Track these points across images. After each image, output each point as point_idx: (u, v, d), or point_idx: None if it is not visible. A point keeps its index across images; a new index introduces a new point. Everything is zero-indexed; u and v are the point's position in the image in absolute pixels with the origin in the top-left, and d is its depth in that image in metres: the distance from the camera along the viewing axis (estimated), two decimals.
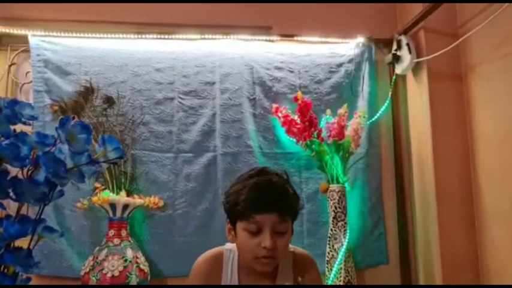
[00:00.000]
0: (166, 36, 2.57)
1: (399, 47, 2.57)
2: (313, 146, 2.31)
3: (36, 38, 2.46)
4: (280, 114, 2.44)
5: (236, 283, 1.22)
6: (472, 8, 2.29)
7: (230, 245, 1.29)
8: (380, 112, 2.62)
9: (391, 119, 2.68)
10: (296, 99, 2.40)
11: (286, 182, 1.26)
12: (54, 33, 2.47)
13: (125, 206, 2.21)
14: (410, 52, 2.47)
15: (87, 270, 2.08)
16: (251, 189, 1.16)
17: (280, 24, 2.68)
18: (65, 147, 0.80)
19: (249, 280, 1.24)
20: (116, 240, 2.15)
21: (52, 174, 0.78)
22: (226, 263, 1.24)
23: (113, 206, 2.19)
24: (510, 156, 2.05)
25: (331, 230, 2.26)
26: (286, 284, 1.26)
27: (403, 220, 2.59)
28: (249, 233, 1.16)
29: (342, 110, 2.37)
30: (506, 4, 1.93)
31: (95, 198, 2.17)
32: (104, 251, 2.11)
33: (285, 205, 1.19)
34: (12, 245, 0.81)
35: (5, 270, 0.80)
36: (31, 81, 2.45)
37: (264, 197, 1.16)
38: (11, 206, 0.85)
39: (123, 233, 2.19)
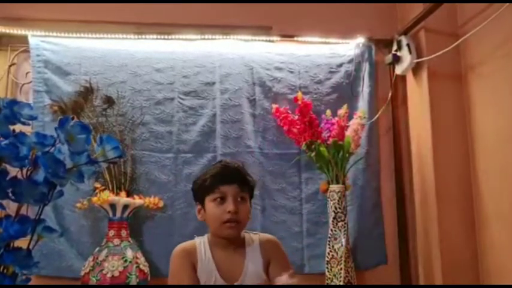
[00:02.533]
0: (166, 36, 2.57)
1: (399, 47, 2.57)
2: (313, 146, 2.31)
3: (36, 38, 2.46)
4: (280, 115, 2.44)
5: (210, 258, 1.43)
6: (472, 8, 2.29)
7: (202, 237, 1.53)
8: (380, 112, 2.62)
9: (391, 120, 2.68)
10: (296, 99, 2.41)
11: (242, 165, 1.59)
12: (54, 34, 2.48)
13: (125, 207, 2.21)
14: (410, 52, 2.47)
15: (87, 270, 2.08)
16: (215, 167, 1.52)
17: (280, 25, 2.68)
18: (65, 148, 0.80)
19: (221, 254, 1.45)
20: (116, 241, 2.15)
21: (51, 175, 0.78)
22: (199, 246, 1.47)
23: (112, 206, 2.19)
24: (510, 156, 2.05)
25: (331, 230, 2.25)
26: (252, 266, 1.47)
27: (402, 220, 2.59)
28: (216, 203, 1.45)
29: (342, 111, 2.37)
30: (506, 4, 1.93)
31: (94, 199, 2.17)
32: (104, 252, 2.11)
33: (243, 177, 1.49)
34: (11, 245, 0.81)
35: (5, 271, 0.80)
36: (31, 82, 2.45)
37: (226, 171, 1.48)
38: (11, 206, 0.85)
39: (123, 233, 2.19)
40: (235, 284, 1.41)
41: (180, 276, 1.44)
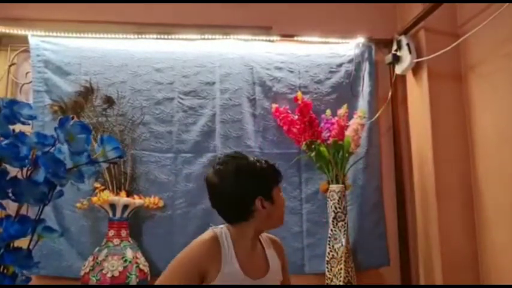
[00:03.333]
0: (166, 36, 2.57)
1: (399, 47, 2.57)
2: (313, 146, 2.31)
3: (36, 38, 2.46)
4: (280, 115, 2.44)
5: (234, 258, 1.33)
6: (472, 8, 2.29)
7: (215, 228, 1.39)
8: (380, 112, 2.62)
9: (391, 119, 2.68)
10: (296, 99, 2.41)
11: None
12: (54, 34, 2.48)
13: (125, 206, 2.21)
14: (410, 52, 2.47)
15: (87, 270, 2.08)
16: (268, 163, 1.41)
17: (280, 24, 2.68)
18: (65, 147, 0.80)
19: (245, 254, 1.36)
20: (116, 241, 2.15)
21: (51, 175, 0.78)
22: (223, 241, 1.35)
23: (112, 206, 2.19)
24: (510, 156, 2.05)
25: (331, 230, 2.25)
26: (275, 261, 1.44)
27: (403, 220, 2.59)
28: (281, 194, 1.43)
29: (342, 110, 2.37)
30: (506, 4, 1.93)
31: (94, 199, 2.17)
32: (104, 251, 2.11)
33: None
34: (12, 245, 0.81)
35: (5, 270, 0.80)
36: (31, 81, 2.45)
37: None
38: (11, 206, 0.85)
39: (123, 233, 2.19)
40: (259, 282, 1.37)
41: (183, 272, 1.30)
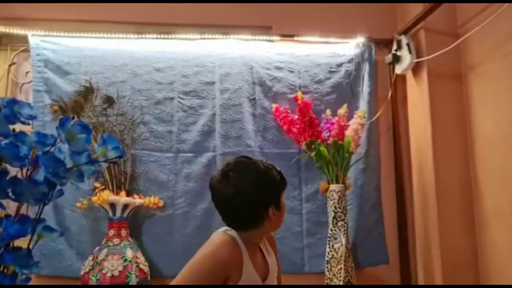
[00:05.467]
0: (166, 36, 2.57)
1: (399, 47, 2.57)
2: (313, 146, 2.31)
3: (36, 38, 2.46)
4: (280, 115, 2.44)
5: (253, 269, 1.32)
6: (472, 8, 2.29)
7: (227, 230, 1.36)
8: (380, 112, 2.62)
9: (391, 119, 2.68)
10: (296, 99, 2.41)
11: None
12: (54, 33, 2.48)
13: (125, 206, 2.21)
14: (410, 52, 2.47)
15: (87, 270, 2.09)
16: (276, 170, 1.40)
17: (280, 24, 2.68)
18: (65, 147, 0.80)
19: (256, 261, 1.36)
20: (116, 240, 2.16)
21: (51, 174, 0.78)
22: (242, 247, 1.33)
23: (112, 205, 2.19)
24: (510, 155, 2.05)
25: (331, 229, 2.25)
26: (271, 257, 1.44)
27: (402, 220, 2.59)
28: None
29: (341, 110, 2.37)
30: (506, 4, 1.93)
31: (94, 198, 2.17)
32: (104, 251, 2.11)
33: None
34: (11, 244, 0.81)
35: (5, 270, 0.79)
36: (31, 81, 2.46)
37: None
38: (11, 206, 0.85)
39: (123, 232, 2.19)
40: (265, 282, 1.36)
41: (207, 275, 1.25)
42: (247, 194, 1.29)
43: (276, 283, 1.44)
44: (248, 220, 1.33)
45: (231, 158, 1.42)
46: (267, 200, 1.33)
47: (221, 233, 1.33)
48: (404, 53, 2.53)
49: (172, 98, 2.52)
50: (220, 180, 1.33)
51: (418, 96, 2.53)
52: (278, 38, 2.66)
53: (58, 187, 0.82)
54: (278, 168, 1.40)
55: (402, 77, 2.68)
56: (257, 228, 1.34)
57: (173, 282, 1.23)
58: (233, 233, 1.34)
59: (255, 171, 1.34)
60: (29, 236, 0.82)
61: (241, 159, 1.39)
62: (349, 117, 2.39)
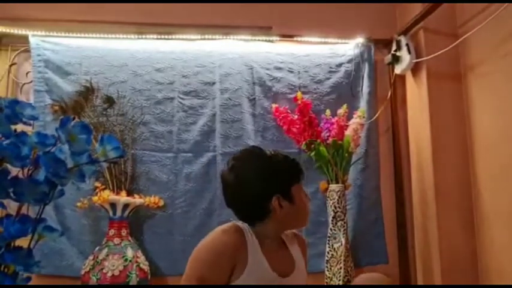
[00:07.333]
0: (166, 36, 2.57)
1: (399, 47, 2.57)
2: (313, 145, 2.31)
3: (37, 38, 2.46)
4: (279, 115, 2.44)
5: (263, 259, 1.22)
6: (472, 8, 2.30)
7: (239, 222, 1.28)
8: (379, 112, 2.62)
9: (391, 119, 2.69)
10: (296, 99, 2.41)
11: None
12: (55, 33, 2.48)
13: (125, 206, 2.22)
14: (409, 52, 2.47)
15: (88, 269, 2.09)
16: (287, 158, 1.34)
17: (280, 25, 2.69)
18: (66, 147, 0.81)
19: (272, 255, 1.25)
20: (116, 240, 2.16)
21: (52, 174, 0.78)
22: (247, 233, 1.23)
23: (113, 205, 2.20)
24: (509, 155, 2.05)
25: (331, 229, 2.26)
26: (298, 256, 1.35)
27: (402, 220, 2.60)
28: (303, 192, 1.32)
29: (341, 110, 2.38)
30: (506, 4, 1.93)
31: (95, 198, 2.17)
32: (104, 251, 2.12)
33: None
34: (12, 244, 0.81)
35: (6, 270, 0.80)
36: (31, 81, 2.46)
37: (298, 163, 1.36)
38: (12, 206, 0.85)
39: (123, 232, 2.20)
40: (287, 279, 1.26)
41: (213, 271, 1.17)
42: (247, 181, 1.25)
43: (300, 283, 1.33)
44: (250, 210, 1.27)
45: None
46: (270, 188, 1.25)
47: (226, 224, 1.25)
48: (403, 53, 2.53)
49: (172, 98, 2.53)
50: (225, 170, 1.29)
51: (417, 97, 2.54)
52: (278, 38, 2.66)
53: (59, 187, 0.83)
54: (291, 158, 1.33)
55: (402, 77, 2.68)
56: (263, 221, 1.26)
57: (182, 280, 1.18)
58: (244, 225, 1.26)
59: (257, 158, 1.29)
60: (29, 236, 0.83)
61: (250, 148, 1.36)
62: (349, 117, 2.40)
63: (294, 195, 1.28)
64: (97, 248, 2.16)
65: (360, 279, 2.02)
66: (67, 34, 2.50)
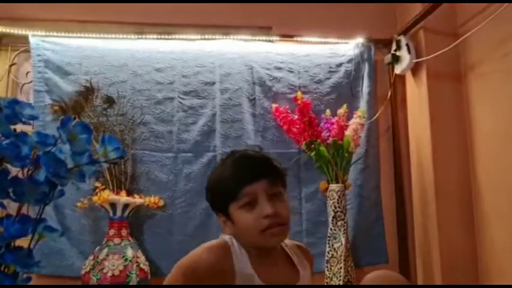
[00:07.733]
0: (166, 36, 2.57)
1: (398, 47, 2.57)
2: (313, 145, 2.31)
3: (37, 38, 2.46)
4: (279, 115, 2.44)
5: (252, 274, 1.07)
6: (472, 8, 2.30)
7: (227, 236, 1.14)
8: (379, 112, 2.62)
9: (391, 119, 2.69)
10: (296, 99, 2.41)
11: (261, 152, 1.27)
12: (55, 33, 2.48)
13: (125, 206, 2.22)
14: (409, 52, 2.47)
15: (88, 269, 2.09)
16: (233, 165, 1.11)
17: (280, 25, 2.69)
18: (66, 147, 0.80)
19: (265, 268, 1.09)
20: (116, 240, 2.16)
21: (52, 174, 0.78)
22: (235, 252, 1.08)
23: (113, 205, 2.20)
24: (509, 155, 2.05)
25: (331, 229, 2.26)
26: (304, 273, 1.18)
27: (402, 220, 2.60)
28: (246, 209, 1.07)
29: (341, 110, 2.38)
30: (506, 4, 1.93)
31: (95, 198, 2.17)
32: (104, 250, 2.12)
33: (272, 168, 1.13)
34: (12, 244, 0.81)
35: (6, 270, 0.80)
36: (31, 81, 2.46)
37: (248, 166, 1.11)
38: (12, 206, 0.85)
39: (124, 232, 2.20)
40: None
41: None
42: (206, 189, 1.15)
43: None
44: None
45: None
46: (212, 205, 1.14)
47: (214, 240, 1.13)
48: (403, 53, 2.53)
49: (172, 98, 2.53)
50: None
51: (417, 96, 2.54)
52: (278, 38, 2.66)
53: (59, 187, 0.83)
54: (240, 170, 1.09)
55: (401, 77, 2.68)
56: (233, 236, 1.11)
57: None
58: (232, 239, 1.11)
59: (214, 170, 1.15)
60: (29, 236, 0.83)
61: (240, 150, 1.21)
62: (349, 117, 2.40)
63: (232, 214, 1.09)
64: (97, 248, 2.16)
65: (373, 276, 1.75)
66: (67, 34, 2.50)
